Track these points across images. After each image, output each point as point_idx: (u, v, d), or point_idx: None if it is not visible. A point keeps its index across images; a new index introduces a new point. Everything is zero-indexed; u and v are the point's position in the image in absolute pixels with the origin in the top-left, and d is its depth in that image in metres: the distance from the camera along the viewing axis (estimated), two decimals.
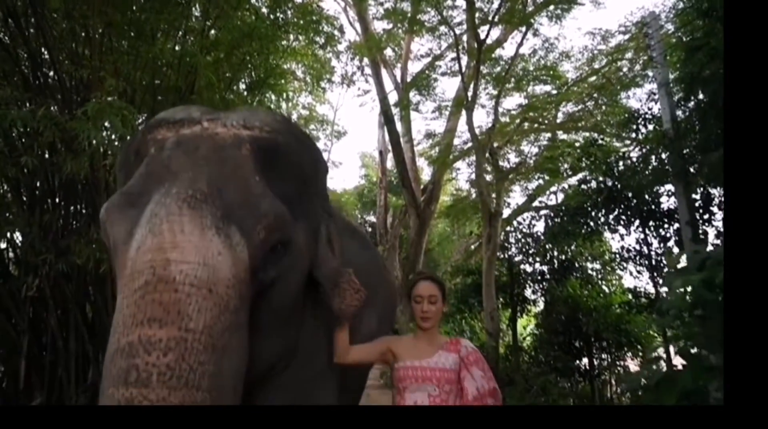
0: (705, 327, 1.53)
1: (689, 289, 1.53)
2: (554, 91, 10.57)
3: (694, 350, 1.62)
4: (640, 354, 8.43)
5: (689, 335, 1.52)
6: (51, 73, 4.05)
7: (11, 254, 4.28)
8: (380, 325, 2.53)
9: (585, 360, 8.85)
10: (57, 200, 4.05)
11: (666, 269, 6.59)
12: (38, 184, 3.90)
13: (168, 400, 1.15)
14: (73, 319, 3.92)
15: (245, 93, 5.84)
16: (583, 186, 8.49)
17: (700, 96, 6.13)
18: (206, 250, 1.29)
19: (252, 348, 1.49)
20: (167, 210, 1.32)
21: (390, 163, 13.49)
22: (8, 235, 4.00)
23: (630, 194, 7.27)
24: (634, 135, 8.07)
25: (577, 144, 9.93)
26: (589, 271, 10.10)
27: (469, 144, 10.96)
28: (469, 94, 9.62)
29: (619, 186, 7.44)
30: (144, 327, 1.19)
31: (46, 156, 3.65)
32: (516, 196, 15.12)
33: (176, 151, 1.48)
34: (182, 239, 1.28)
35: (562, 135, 11.31)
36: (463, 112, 10.42)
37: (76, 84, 4.00)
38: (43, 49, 3.92)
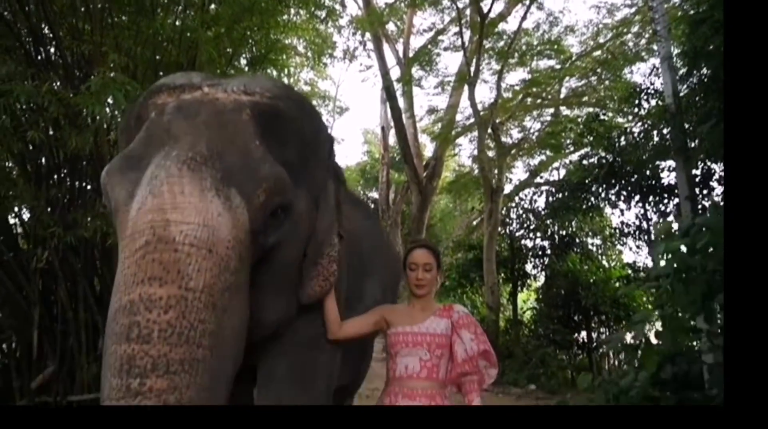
0: (687, 291, 1.60)
1: (671, 256, 1.60)
2: (558, 66, 10.47)
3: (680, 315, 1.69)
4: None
5: (671, 298, 1.59)
6: (52, 49, 4.07)
7: (19, 229, 4.37)
8: (384, 295, 2.54)
9: (584, 333, 9.01)
10: (62, 175, 4.12)
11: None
12: (43, 160, 3.96)
13: (169, 356, 1.17)
14: (81, 290, 4.03)
15: (246, 68, 5.83)
16: (584, 161, 8.50)
17: (704, 70, 6.08)
18: (206, 211, 1.30)
19: (254, 310, 1.52)
20: (167, 172, 1.33)
21: (392, 139, 13.46)
22: (16, 209, 4.07)
23: (630, 169, 7.27)
24: (636, 110, 8.02)
25: (579, 119, 9.88)
26: (590, 247, 10.19)
27: (472, 120, 10.94)
28: (472, 69, 9.56)
29: (620, 161, 7.44)
30: (145, 285, 1.21)
31: (50, 132, 3.69)
32: (518, 172, 15.11)
33: (177, 116, 1.49)
34: (182, 200, 1.29)
35: (564, 110, 11.26)
36: (466, 88, 10.38)
37: (78, 59, 4.02)
38: (43, 25, 3.93)
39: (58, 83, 3.27)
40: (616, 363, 8.97)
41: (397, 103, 11.22)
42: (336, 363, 2.12)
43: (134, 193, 1.35)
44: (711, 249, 1.50)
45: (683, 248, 1.54)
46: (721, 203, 1.60)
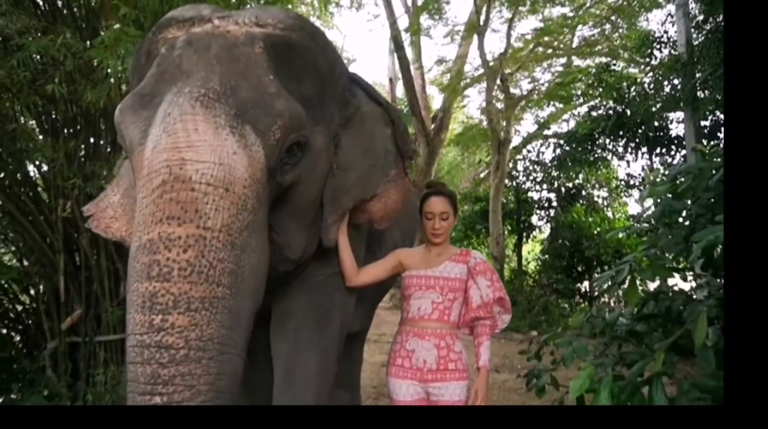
0: (671, 233, 1.72)
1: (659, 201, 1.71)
2: (571, 14, 10.18)
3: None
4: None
5: (655, 242, 1.71)
6: (60, 2, 4.08)
7: (40, 181, 4.53)
8: (403, 240, 2.58)
9: (586, 283, 9.24)
10: (78, 129, 4.22)
11: None
12: (60, 113, 4.06)
13: (189, 294, 1.19)
14: (102, 239, 4.22)
15: None
16: (593, 113, 8.44)
17: (720, 17, 5.94)
18: (221, 149, 1.28)
19: (273, 249, 1.52)
20: (180, 109, 1.30)
21: (400, 90, 13.30)
22: (36, 162, 4.21)
23: (638, 121, 7.24)
24: (648, 60, 7.88)
25: (591, 70, 9.71)
26: (595, 198, 10.27)
27: (481, 70, 10.77)
28: (482, 17, 9.34)
29: (628, 112, 7.40)
30: (163, 225, 1.21)
31: (64, 86, 3.78)
32: (527, 124, 14.96)
33: (187, 51, 1.45)
34: (196, 139, 1.27)
35: (576, 61, 11.03)
36: (475, 37, 10.17)
37: (87, 12, 4.04)
38: None
39: (69, 37, 3.31)
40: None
41: (405, 53, 11.02)
42: (351, 305, 2.14)
43: (148, 132, 1.33)
44: (695, 193, 1.60)
45: (668, 194, 1.64)
46: (708, 149, 1.67)
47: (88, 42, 3.49)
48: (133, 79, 1.71)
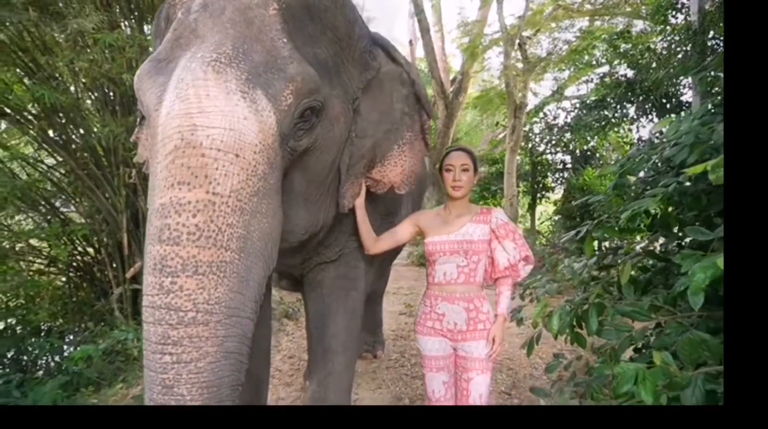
0: (624, 202, 2.21)
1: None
2: None
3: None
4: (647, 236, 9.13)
5: (609, 207, 2.21)
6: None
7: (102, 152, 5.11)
8: (413, 208, 2.76)
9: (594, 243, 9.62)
10: (136, 106, 4.76)
11: None
12: (121, 94, 4.59)
13: (197, 258, 1.20)
14: None
15: None
16: (606, 79, 8.63)
17: None
18: (232, 115, 1.28)
19: (288, 216, 1.56)
20: (193, 75, 1.29)
21: (420, 52, 13.47)
22: (102, 134, 4.80)
23: (649, 86, 7.44)
24: (663, 26, 7.99)
25: (604, 37, 9.77)
26: (609, 161, 10.53)
27: (500, 33, 10.89)
28: None
29: (640, 78, 7.59)
30: (174, 189, 1.22)
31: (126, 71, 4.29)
32: (545, 88, 14.96)
33: (202, 14, 1.43)
34: (207, 104, 1.27)
35: (595, 22, 11.03)
36: (495, 1, 10.28)
37: (147, 6, 4.48)
38: None
39: (131, 29, 3.79)
40: (620, 266, 9.62)
41: (425, 16, 11.20)
42: (372, 270, 2.28)
43: (163, 98, 1.33)
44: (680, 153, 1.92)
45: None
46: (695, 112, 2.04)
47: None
48: (155, 44, 1.70)
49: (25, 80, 4.43)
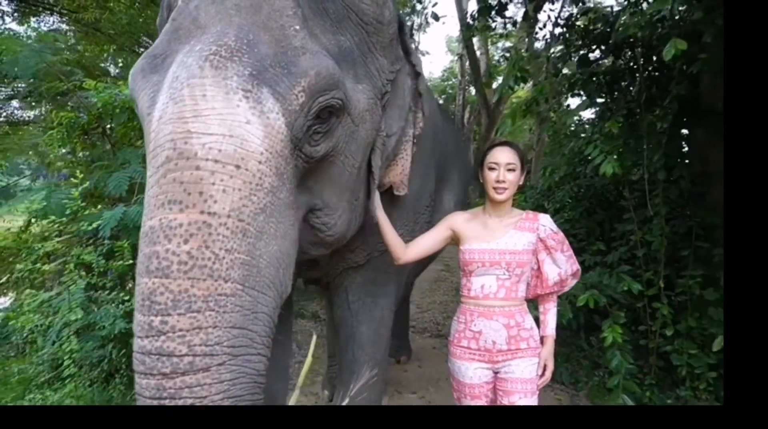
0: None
1: None
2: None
3: None
4: None
5: None
6: None
7: None
8: (456, 208, 2.56)
9: None
10: None
11: None
12: None
13: (191, 292, 1.02)
14: None
15: None
16: None
17: None
18: (232, 118, 1.09)
19: (309, 232, 1.43)
20: (188, 72, 1.11)
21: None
22: None
23: None
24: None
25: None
26: None
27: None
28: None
29: None
30: (165, 209, 1.05)
31: None
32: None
33: (204, 1, 1.24)
34: (204, 107, 1.08)
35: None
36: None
37: None
38: None
39: None
40: None
41: (473, 42, 13.52)
42: (404, 274, 2.18)
43: (156, 99, 1.17)
44: None
45: None
46: None
47: None
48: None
49: None
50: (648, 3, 3.34)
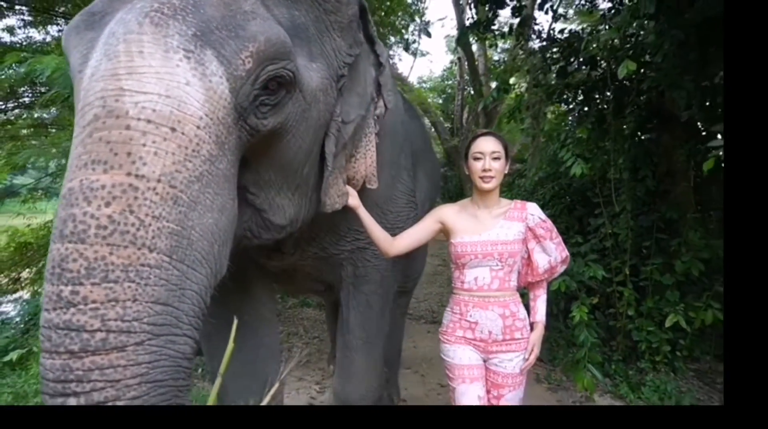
0: None
1: None
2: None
3: None
4: None
5: None
6: None
7: None
8: (429, 191, 2.73)
9: None
10: None
11: None
12: None
13: (109, 259, 0.90)
14: None
15: None
16: None
17: None
18: (170, 78, 1.01)
19: (259, 210, 1.37)
20: (126, 27, 1.03)
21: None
22: None
23: None
24: None
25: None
26: None
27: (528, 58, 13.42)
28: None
29: None
30: (86, 170, 0.94)
31: None
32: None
33: None
34: (140, 64, 1.00)
35: None
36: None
37: None
38: None
39: None
40: None
41: (471, 48, 14.00)
42: (399, 263, 2.20)
43: (89, 57, 1.09)
44: None
45: None
46: None
47: None
48: None
49: None
50: (608, 27, 3.83)
